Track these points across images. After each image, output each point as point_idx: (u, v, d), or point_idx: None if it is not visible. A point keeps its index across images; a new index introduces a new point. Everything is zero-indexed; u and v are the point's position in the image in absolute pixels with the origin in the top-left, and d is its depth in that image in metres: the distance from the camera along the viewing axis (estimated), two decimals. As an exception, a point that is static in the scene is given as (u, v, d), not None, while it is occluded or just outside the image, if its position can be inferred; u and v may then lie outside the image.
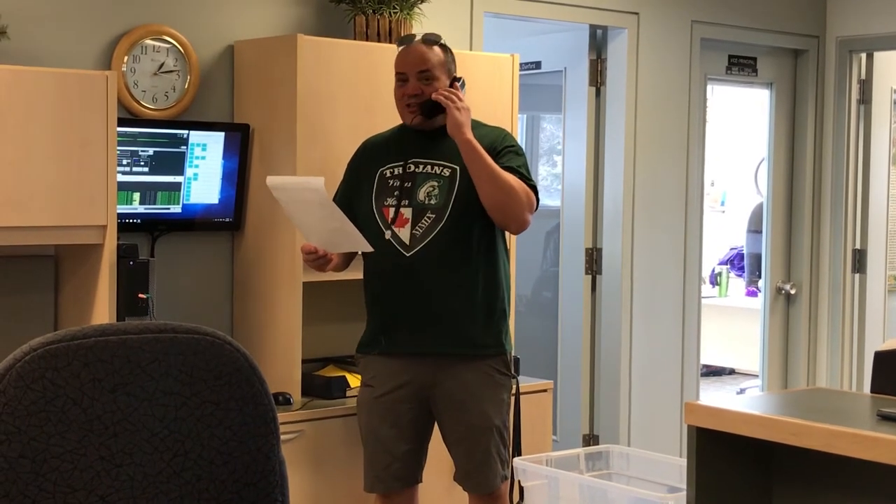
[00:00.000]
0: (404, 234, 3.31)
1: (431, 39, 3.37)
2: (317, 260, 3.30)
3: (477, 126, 3.42)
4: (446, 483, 3.66)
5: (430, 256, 3.29)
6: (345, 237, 3.25)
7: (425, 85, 3.32)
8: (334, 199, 3.44)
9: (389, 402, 3.36)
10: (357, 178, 3.45)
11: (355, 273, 3.59)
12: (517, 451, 3.49)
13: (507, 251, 3.46)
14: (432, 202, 3.32)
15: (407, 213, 3.33)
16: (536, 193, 3.34)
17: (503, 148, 3.34)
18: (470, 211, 3.28)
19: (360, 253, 3.42)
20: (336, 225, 3.22)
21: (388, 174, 3.38)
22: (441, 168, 3.34)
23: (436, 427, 3.44)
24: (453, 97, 3.26)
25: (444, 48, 3.39)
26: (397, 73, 3.38)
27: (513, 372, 3.44)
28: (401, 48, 3.41)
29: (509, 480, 3.44)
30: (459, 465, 3.40)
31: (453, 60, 3.41)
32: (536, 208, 3.36)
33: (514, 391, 3.46)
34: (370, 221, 3.36)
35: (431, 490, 3.62)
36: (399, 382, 3.35)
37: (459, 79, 3.39)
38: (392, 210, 3.33)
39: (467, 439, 3.35)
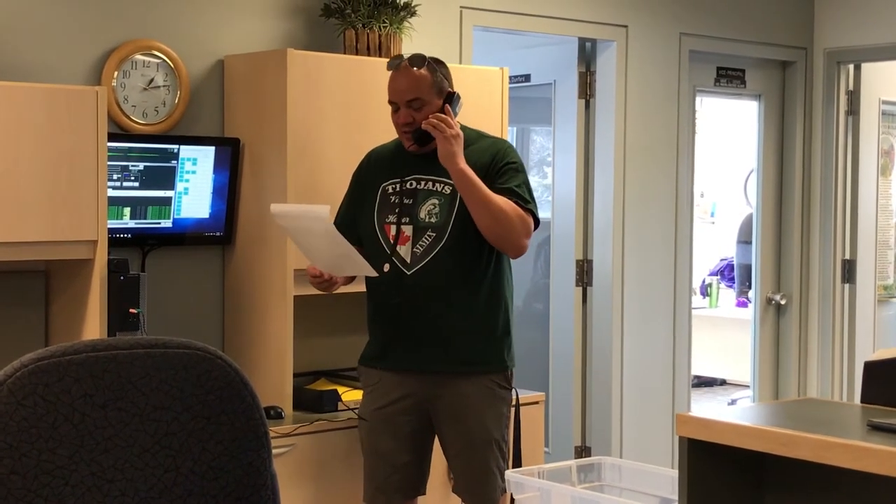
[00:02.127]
0: (405, 252, 3.30)
1: (416, 61, 3.31)
2: (322, 283, 3.32)
3: (478, 138, 3.40)
4: (444, 494, 3.65)
5: (430, 275, 3.28)
6: (350, 262, 3.25)
7: (416, 112, 3.28)
8: (339, 212, 3.45)
9: (389, 413, 3.36)
10: (362, 190, 3.44)
11: (346, 287, 3.59)
12: (517, 463, 3.49)
13: (509, 266, 3.44)
14: (433, 220, 3.30)
15: (408, 230, 3.32)
16: (535, 215, 3.30)
17: (503, 164, 3.31)
18: (471, 229, 3.26)
19: None
20: (342, 251, 3.21)
21: (390, 189, 3.37)
22: (442, 185, 3.32)
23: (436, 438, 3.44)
24: (442, 125, 3.20)
25: (432, 67, 3.32)
26: (389, 101, 3.35)
27: (513, 385, 3.44)
28: (390, 73, 3.36)
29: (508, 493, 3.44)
30: (459, 477, 3.40)
31: (445, 76, 3.35)
32: (536, 227, 3.34)
33: (513, 403, 3.46)
34: (373, 238, 3.36)
35: (430, 502, 3.61)
36: (399, 395, 3.35)
37: (453, 94, 3.34)
38: (393, 227, 3.32)
39: (467, 452, 3.35)
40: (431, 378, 3.32)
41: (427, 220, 3.31)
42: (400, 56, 3.39)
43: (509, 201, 3.24)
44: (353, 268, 3.28)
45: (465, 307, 3.31)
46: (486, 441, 3.33)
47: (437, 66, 3.35)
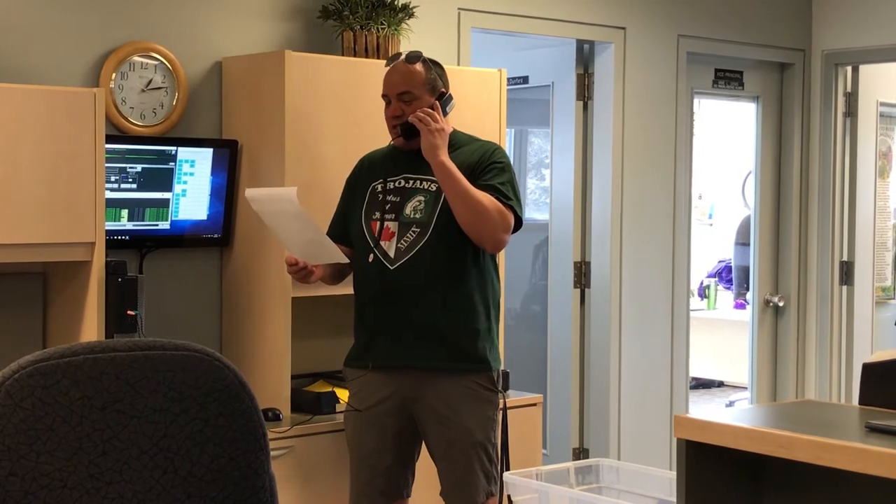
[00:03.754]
0: (389, 247, 3.33)
1: (412, 57, 3.37)
2: (299, 272, 3.33)
3: (469, 141, 3.43)
4: (435, 498, 3.65)
5: (413, 270, 3.30)
6: (321, 248, 3.29)
7: (406, 106, 3.33)
8: (331, 222, 3.48)
9: (373, 415, 3.37)
10: (353, 193, 3.48)
11: (344, 288, 3.59)
12: (505, 467, 3.49)
13: (495, 266, 3.46)
14: (417, 216, 3.33)
15: (393, 226, 3.34)
16: (517, 212, 3.32)
17: (489, 164, 3.33)
18: (454, 226, 3.28)
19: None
20: (311, 236, 3.26)
21: (380, 188, 3.40)
22: (429, 183, 3.34)
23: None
24: (428, 119, 3.26)
25: (427, 65, 3.37)
26: (382, 95, 3.40)
27: (500, 387, 3.43)
28: (386, 69, 3.41)
29: (498, 497, 3.43)
30: (442, 479, 3.40)
31: (440, 76, 3.40)
32: (519, 227, 3.35)
33: (501, 406, 3.45)
34: (360, 235, 3.38)
35: (421, 505, 3.61)
36: (382, 396, 3.36)
37: (444, 94, 3.38)
38: (378, 224, 3.34)
39: (449, 454, 3.35)
40: (413, 376, 3.33)
41: (412, 216, 3.33)
42: (398, 53, 3.44)
43: (489, 196, 3.27)
44: (325, 254, 3.31)
45: (446, 303, 3.31)
46: (468, 444, 3.33)
47: (432, 65, 3.40)
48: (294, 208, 3.21)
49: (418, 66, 3.35)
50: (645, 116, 5.23)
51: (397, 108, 3.34)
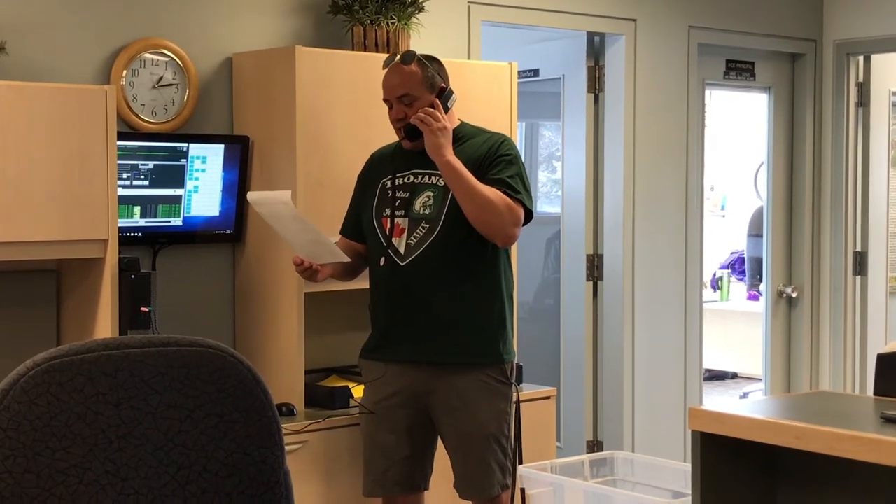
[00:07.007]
0: (400, 244, 3.33)
1: (406, 58, 3.36)
2: (305, 271, 3.35)
3: (476, 132, 3.43)
4: (450, 490, 3.66)
5: (423, 265, 3.31)
6: (322, 248, 3.30)
7: (407, 108, 3.33)
8: (345, 219, 3.51)
9: (387, 407, 3.38)
10: (363, 189, 3.50)
11: (357, 283, 3.60)
12: (518, 460, 3.49)
13: (508, 258, 3.46)
14: (426, 212, 3.33)
15: (403, 223, 3.35)
16: (526, 205, 3.32)
17: (497, 157, 3.33)
18: (463, 221, 3.29)
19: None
20: (312, 237, 3.27)
21: (389, 184, 3.41)
22: (437, 178, 3.35)
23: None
24: (430, 119, 3.25)
25: (423, 64, 3.36)
26: (383, 99, 3.41)
27: (514, 380, 3.43)
28: (384, 72, 3.41)
29: (511, 489, 3.43)
30: (456, 472, 3.41)
31: (438, 72, 3.39)
32: (529, 219, 3.35)
33: (515, 399, 3.46)
34: (372, 232, 3.40)
35: (438, 498, 3.61)
36: (395, 389, 3.37)
37: (445, 89, 3.38)
38: (389, 220, 3.35)
39: (462, 447, 3.36)
40: (426, 370, 3.34)
41: (421, 212, 3.34)
42: (393, 54, 3.43)
43: (497, 191, 3.26)
44: (327, 253, 3.33)
45: (457, 298, 3.32)
46: (482, 436, 3.33)
47: (429, 62, 3.39)
48: (290, 210, 3.24)
49: (414, 67, 3.34)
50: (656, 108, 5.22)
51: (399, 111, 3.35)
